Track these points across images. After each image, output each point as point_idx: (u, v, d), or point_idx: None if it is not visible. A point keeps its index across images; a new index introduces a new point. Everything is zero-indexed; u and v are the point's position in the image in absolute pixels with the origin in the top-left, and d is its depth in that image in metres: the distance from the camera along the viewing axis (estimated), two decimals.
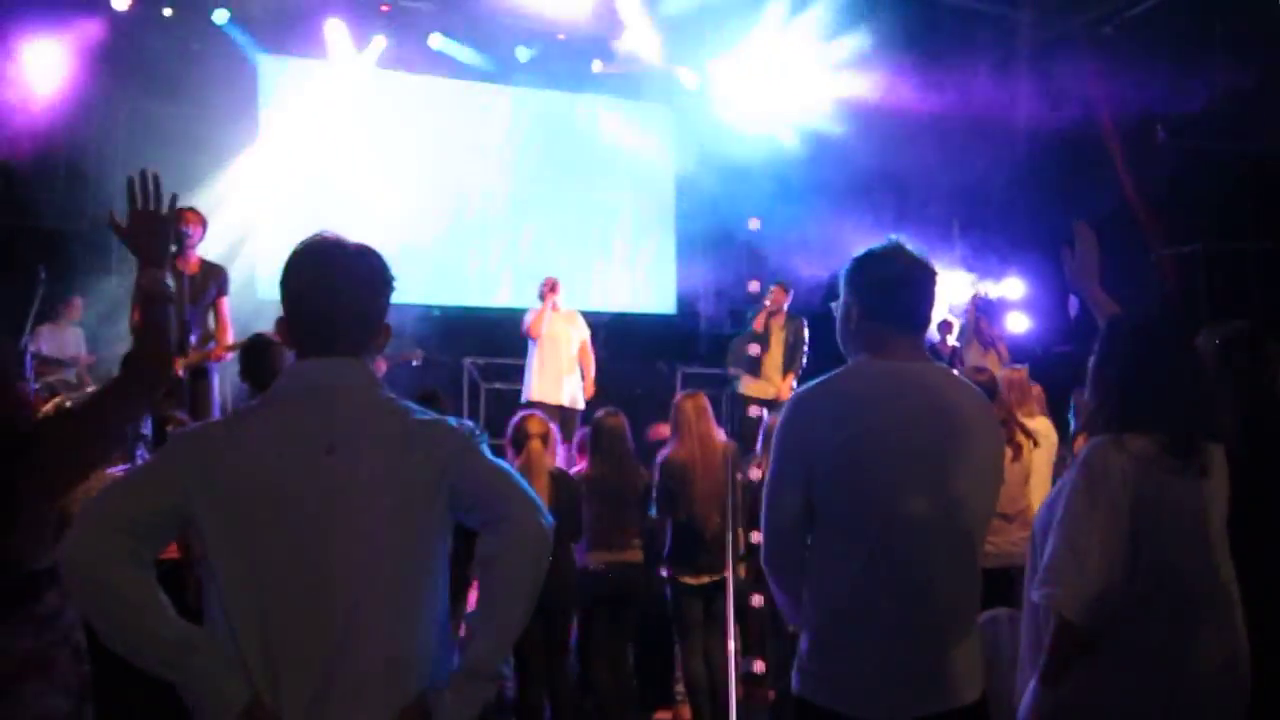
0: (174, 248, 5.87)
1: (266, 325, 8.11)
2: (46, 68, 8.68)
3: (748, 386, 8.94)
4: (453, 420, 2.03)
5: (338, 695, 1.83)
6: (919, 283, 2.37)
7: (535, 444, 4.83)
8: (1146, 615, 2.33)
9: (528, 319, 8.02)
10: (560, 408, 7.75)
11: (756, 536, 5.31)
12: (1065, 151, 9.71)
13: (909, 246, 2.39)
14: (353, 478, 1.88)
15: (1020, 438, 5.08)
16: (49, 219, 8.65)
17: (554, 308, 7.96)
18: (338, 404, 1.93)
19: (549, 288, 7.94)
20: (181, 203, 8.42)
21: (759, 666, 5.59)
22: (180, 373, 6.12)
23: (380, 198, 10.37)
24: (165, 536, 1.90)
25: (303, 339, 1.99)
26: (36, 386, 7.21)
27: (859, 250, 2.43)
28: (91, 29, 8.95)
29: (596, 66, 10.99)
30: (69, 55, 8.86)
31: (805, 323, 8.91)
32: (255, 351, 4.14)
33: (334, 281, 1.97)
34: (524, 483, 2.02)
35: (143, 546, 1.84)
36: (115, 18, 9.10)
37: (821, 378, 2.36)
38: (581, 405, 8.01)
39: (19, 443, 2.04)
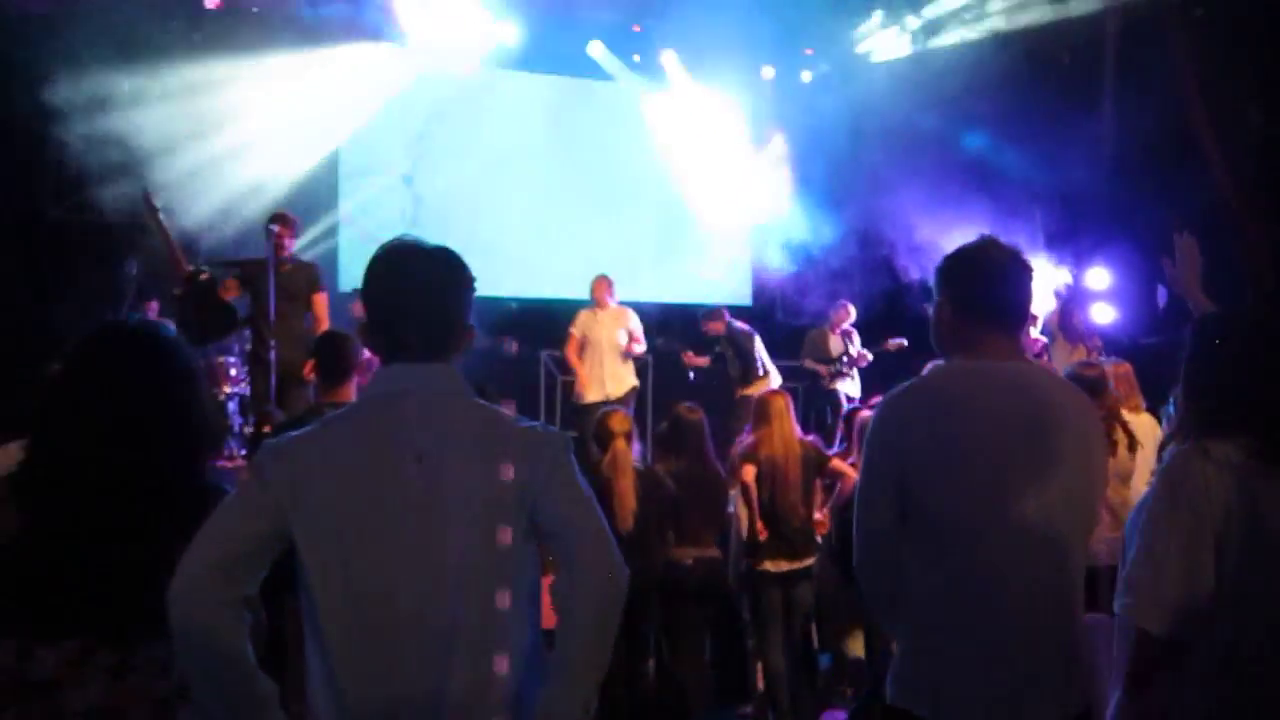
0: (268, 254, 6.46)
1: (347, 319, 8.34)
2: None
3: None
4: (543, 427, 2.01)
5: (433, 714, 1.84)
6: (1014, 279, 2.30)
7: (620, 443, 4.83)
8: (1235, 628, 2.22)
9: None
10: (608, 399, 7.98)
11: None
12: (1154, 137, 9.42)
13: (1003, 242, 2.33)
14: (441, 487, 1.87)
15: (1119, 435, 4.93)
16: (130, 214, 8.83)
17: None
18: (425, 411, 1.92)
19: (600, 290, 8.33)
20: (260, 198, 8.58)
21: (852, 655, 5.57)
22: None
23: (457, 191, 10.48)
24: (267, 559, 1.90)
25: (386, 344, 1.99)
26: None
27: (950, 247, 2.37)
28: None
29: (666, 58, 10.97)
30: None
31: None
32: (327, 347, 4.18)
33: (414, 285, 1.96)
34: (602, 519, 1.99)
35: (247, 582, 1.86)
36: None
37: (914, 379, 2.32)
38: (627, 387, 8.34)
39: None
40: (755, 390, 8.49)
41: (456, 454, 1.90)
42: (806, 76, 11.88)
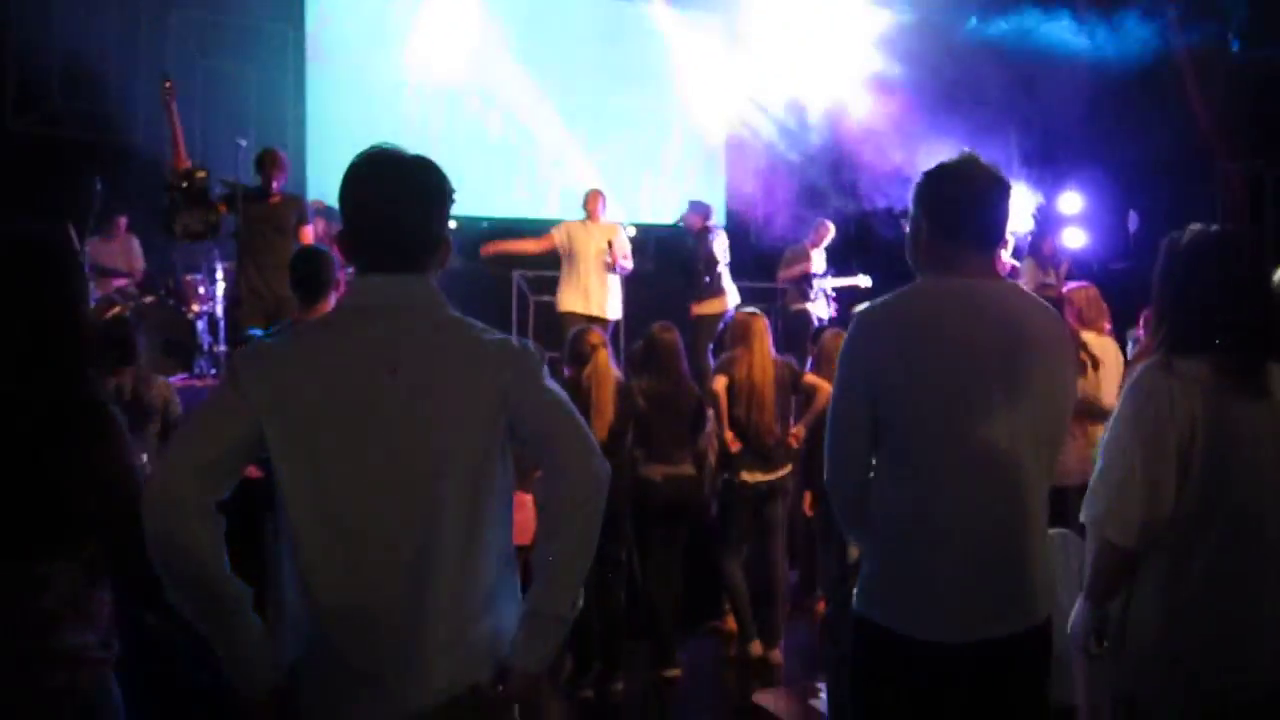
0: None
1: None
2: None
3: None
4: (515, 340, 2.01)
5: (407, 621, 1.85)
6: (993, 198, 2.29)
7: (602, 354, 4.85)
8: (1197, 538, 2.27)
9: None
10: (589, 317, 7.79)
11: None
12: (1131, 64, 9.39)
13: (982, 159, 2.31)
14: (416, 397, 1.87)
15: (1083, 357, 5.02)
16: (98, 131, 8.66)
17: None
18: (401, 322, 1.91)
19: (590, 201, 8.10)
20: (228, 110, 8.52)
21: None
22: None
23: (428, 108, 10.31)
24: (243, 464, 1.90)
25: (364, 255, 1.96)
26: (96, 296, 7.32)
27: (928, 165, 2.36)
28: None
29: None
30: None
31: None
32: (303, 262, 4.13)
33: (395, 194, 1.92)
34: (580, 420, 2.01)
35: (221, 485, 1.85)
36: None
37: (887, 296, 2.32)
38: (612, 316, 8.13)
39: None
40: (708, 309, 8.45)
41: (431, 366, 1.89)
42: None
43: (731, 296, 8.64)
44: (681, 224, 8.96)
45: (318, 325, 2.00)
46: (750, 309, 5.77)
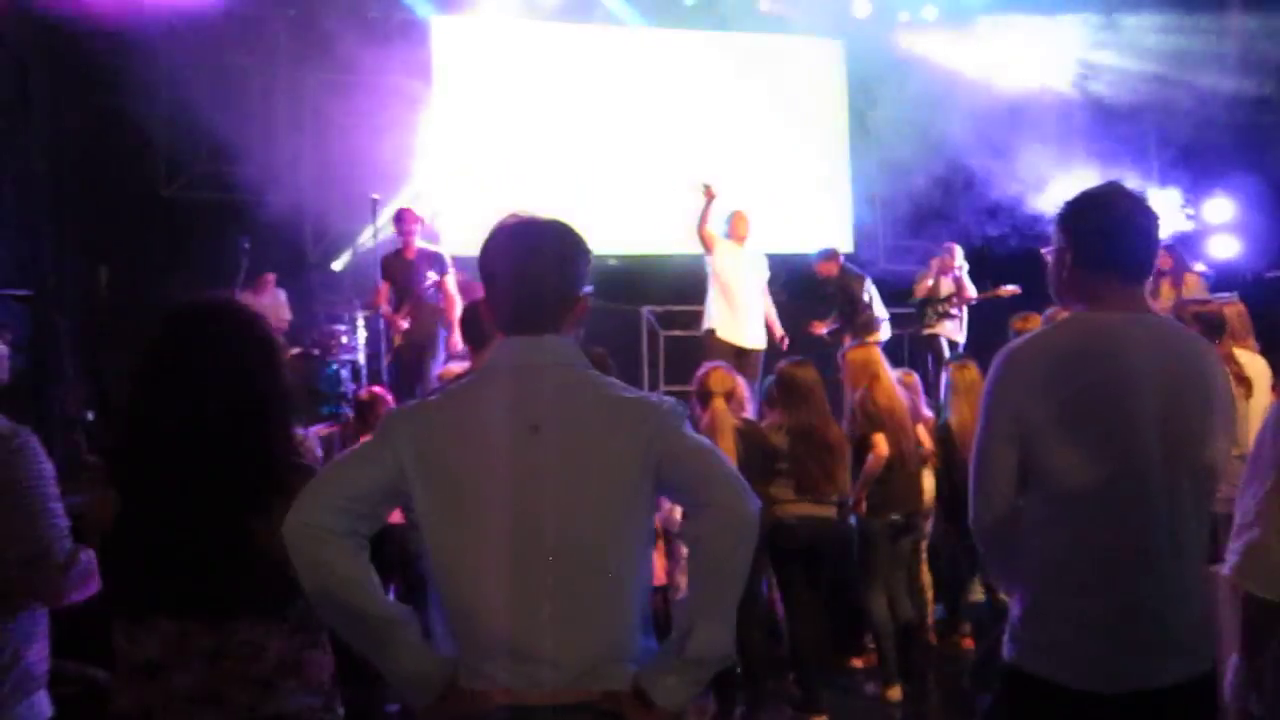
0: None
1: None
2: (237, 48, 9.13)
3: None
4: (654, 397, 2.04)
5: (548, 676, 1.87)
6: (1141, 229, 2.19)
7: (718, 402, 4.81)
8: None
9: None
10: (739, 349, 7.59)
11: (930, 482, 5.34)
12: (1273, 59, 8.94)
13: (1129, 188, 2.22)
14: (556, 457, 1.91)
15: (1237, 382, 4.73)
16: (243, 192, 9.09)
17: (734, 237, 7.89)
18: (542, 382, 1.96)
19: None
20: (362, 165, 8.99)
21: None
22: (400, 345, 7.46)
23: (553, 150, 10.52)
24: (383, 512, 1.97)
25: (504, 318, 2.03)
26: None
27: (1072, 193, 2.27)
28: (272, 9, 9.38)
29: (764, 5, 10.75)
30: (253, 35, 9.31)
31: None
32: (468, 319, 4.27)
33: (527, 262, 1.99)
34: (727, 462, 2.01)
35: (360, 523, 1.92)
36: None
37: (1035, 331, 2.24)
38: (763, 346, 7.85)
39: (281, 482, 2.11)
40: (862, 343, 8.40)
41: (572, 425, 1.94)
42: (904, 16, 11.48)
43: (884, 331, 8.60)
44: (818, 274, 8.97)
45: (463, 387, 2.07)
46: (863, 342, 5.66)
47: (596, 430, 1.94)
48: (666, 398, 2.05)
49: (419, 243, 7.61)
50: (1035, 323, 7.14)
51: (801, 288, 10.74)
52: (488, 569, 1.89)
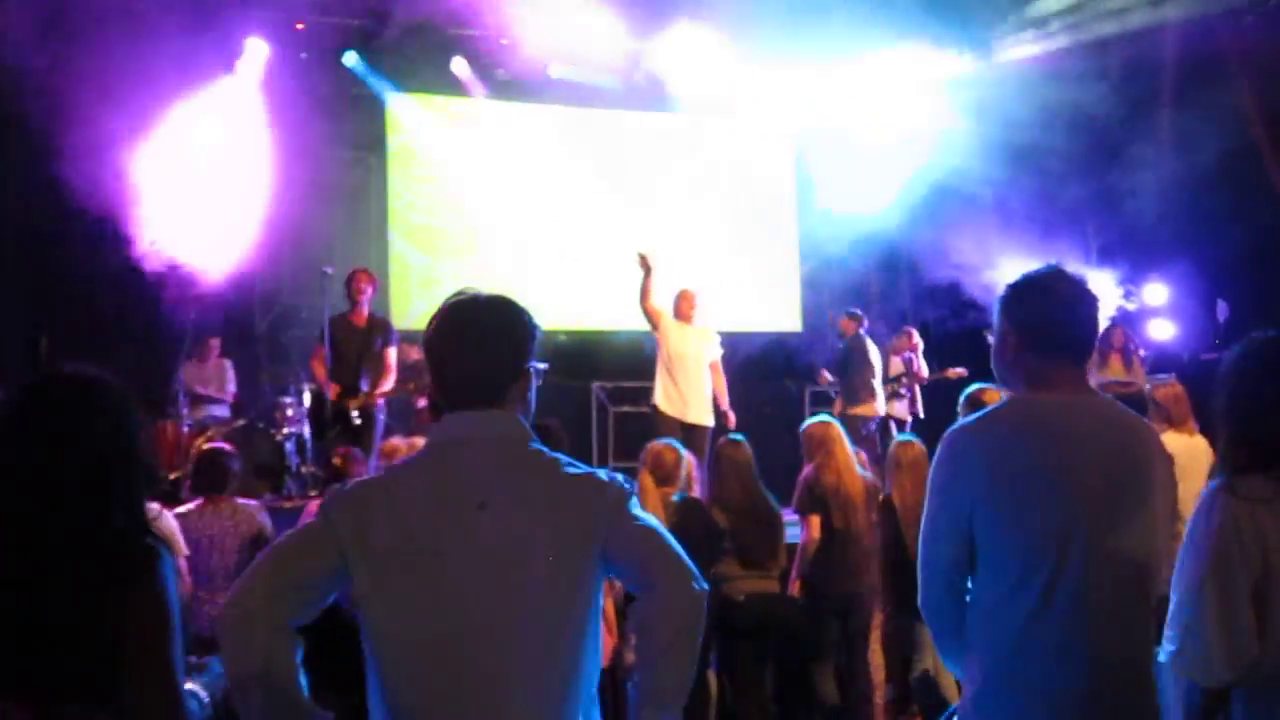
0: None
1: (403, 353, 8.42)
2: (188, 118, 9.11)
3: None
4: (603, 474, 2.02)
5: None
6: (1082, 312, 2.25)
7: (645, 479, 4.81)
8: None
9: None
10: (686, 424, 7.59)
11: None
12: (1211, 149, 9.26)
13: (1069, 272, 2.28)
14: (504, 535, 1.88)
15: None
16: (191, 260, 8.99)
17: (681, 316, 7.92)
18: (488, 458, 1.95)
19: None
20: (316, 237, 8.94)
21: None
22: (353, 414, 7.26)
23: (504, 226, 10.60)
24: (323, 596, 1.92)
25: (447, 394, 2.02)
26: (190, 423, 7.54)
27: (1013, 277, 2.33)
28: (226, 83, 9.40)
29: (714, 90, 10.96)
30: (209, 106, 9.31)
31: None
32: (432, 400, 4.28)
33: (469, 336, 2.00)
34: (674, 544, 2.00)
35: (299, 610, 1.88)
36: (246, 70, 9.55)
37: (979, 413, 2.27)
38: (709, 423, 7.81)
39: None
40: (861, 411, 8.56)
41: (518, 501, 1.91)
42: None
43: (880, 402, 8.73)
44: (835, 329, 9.24)
45: (407, 464, 2.05)
46: (822, 417, 5.70)
47: (543, 508, 1.92)
48: (615, 475, 2.04)
49: (367, 309, 7.50)
50: (994, 397, 7.26)
51: (747, 364, 10.85)
52: (429, 654, 1.86)
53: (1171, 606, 2.23)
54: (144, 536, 2.07)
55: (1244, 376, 2.31)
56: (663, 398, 7.72)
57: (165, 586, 2.03)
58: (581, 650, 1.93)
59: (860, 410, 8.72)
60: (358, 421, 7.23)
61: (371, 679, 1.91)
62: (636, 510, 1.99)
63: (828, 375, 9.31)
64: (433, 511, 1.89)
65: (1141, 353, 9.02)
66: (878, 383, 8.92)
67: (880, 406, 8.83)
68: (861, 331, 9.05)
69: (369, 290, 7.44)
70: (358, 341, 7.34)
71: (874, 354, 8.95)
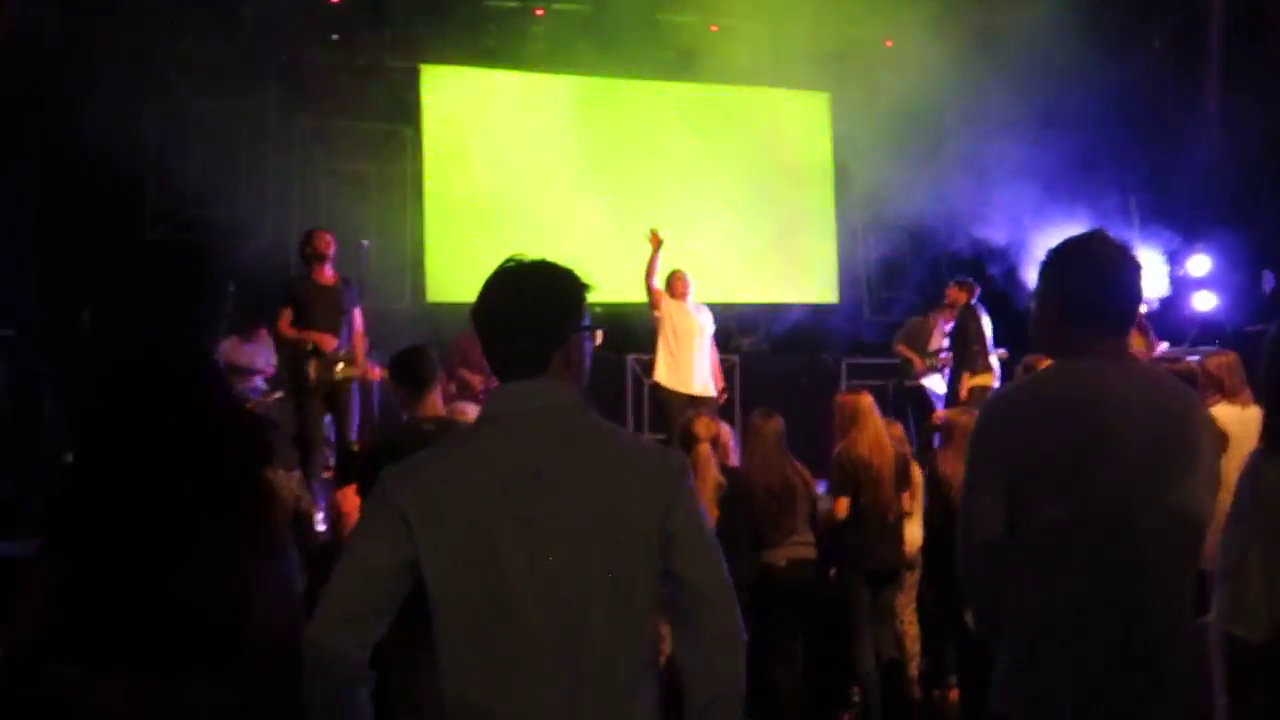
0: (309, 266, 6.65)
1: (439, 327, 8.49)
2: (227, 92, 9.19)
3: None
4: (664, 451, 2.00)
5: None
6: (1126, 276, 2.21)
7: (704, 448, 4.84)
8: None
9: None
10: (691, 397, 7.86)
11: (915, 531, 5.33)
12: (1255, 121, 9.07)
13: (1112, 238, 2.24)
14: (561, 505, 1.86)
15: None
16: (230, 236, 9.09)
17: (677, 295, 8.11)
18: (540, 428, 1.92)
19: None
20: (351, 210, 8.87)
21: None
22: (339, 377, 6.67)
23: (541, 198, 10.58)
24: (399, 596, 1.90)
25: (494, 364, 2.00)
26: None
27: (1057, 240, 2.29)
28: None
29: (747, 59, 10.87)
30: (243, 79, 9.38)
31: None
32: (402, 362, 4.26)
33: (508, 304, 1.97)
34: (723, 564, 1.96)
35: (377, 625, 1.88)
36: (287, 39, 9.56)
37: (1020, 380, 2.25)
38: (714, 393, 8.11)
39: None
40: (980, 382, 8.36)
41: (575, 471, 1.89)
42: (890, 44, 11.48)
43: (995, 374, 8.58)
44: (946, 299, 8.99)
45: (460, 436, 2.04)
46: (855, 388, 5.72)
47: (606, 481, 1.89)
48: (673, 452, 2.02)
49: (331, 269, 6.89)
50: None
51: (784, 340, 10.82)
52: (487, 623, 1.84)
53: (1218, 569, 2.22)
54: (265, 504, 2.11)
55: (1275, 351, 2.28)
56: (667, 374, 8.09)
57: (288, 555, 2.07)
58: (640, 624, 1.90)
59: (980, 380, 8.42)
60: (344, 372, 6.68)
61: (437, 651, 1.89)
62: (697, 500, 1.98)
63: (943, 352, 9.09)
64: (491, 482, 1.86)
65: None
66: (991, 352, 8.65)
67: (996, 376, 8.55)
68: (972, 303, 8.88)
69: (332, 250, 6.81)
70: (326, 301, 6.73)
71: (985, 324, 8.70)
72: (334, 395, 6.66)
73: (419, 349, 4.32)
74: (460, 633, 1.86)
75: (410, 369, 4.19)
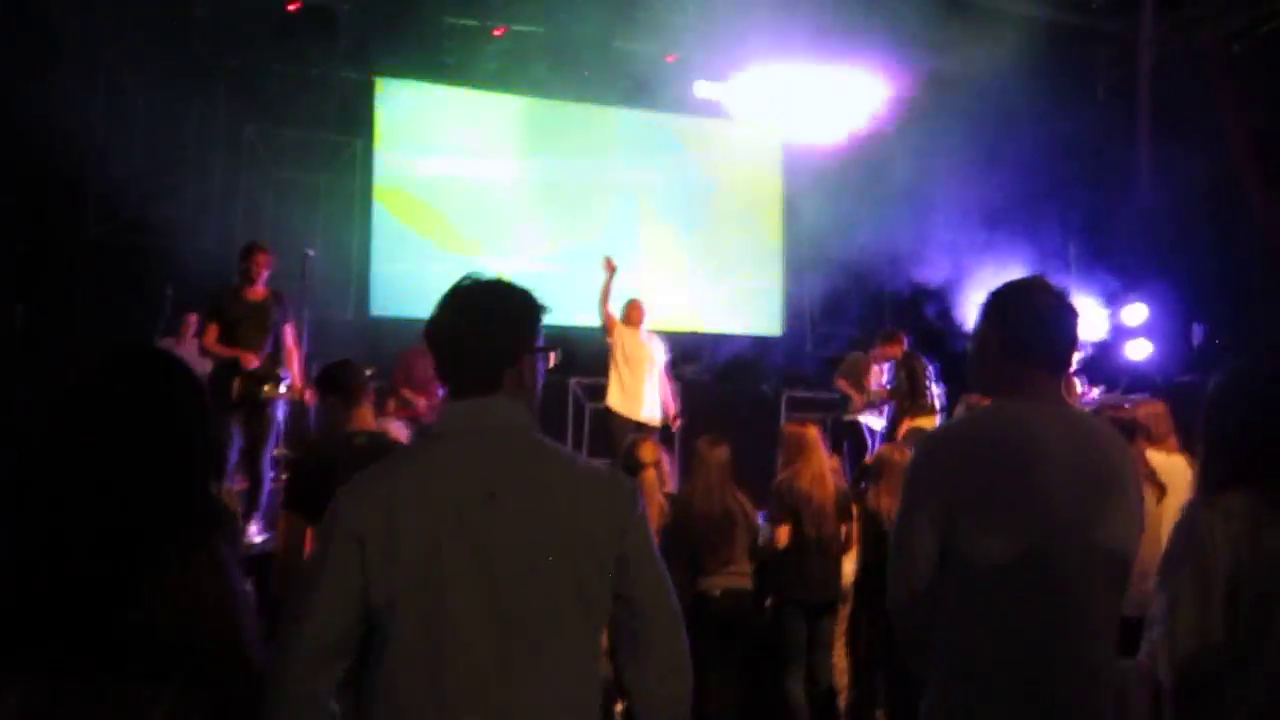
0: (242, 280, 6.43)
1: (380, 341, 8.42)
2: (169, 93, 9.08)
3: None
4: (615, 473, 2.00)
5: None
6: (1064, 322, 2.27)
7: (650, 473, 4.85)
8: (1261, 675, 2.18)
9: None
10: (638, 424, 7.96)
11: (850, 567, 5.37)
12: (1190, 172, 9.36)
13: (1051, 284, 2.30)
14: (516, 527, 1.83)
15: (1149, 485, 4.83)
16: (173, 237, 8.96)
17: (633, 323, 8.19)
18: (493, 447, 1.90)
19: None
20: (296, 219, 8.74)
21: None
22: (264, 395, 6.46)
23: (488, 217, 10.58)
24: (361, 628, 1.85)
25: (451, 381, 1.97)
26: None
27: (998, 282, 2.34)
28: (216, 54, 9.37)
29: (700, 90, 10.99)
30: (194, 82, 9.29)
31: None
32: (331, 374, 4.22)
33: (466, 320, 1.95)
34: (673, 592, 1.97)
35: (343, 660, 1.85)
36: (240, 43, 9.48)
37: (957, 418, 2.29)
38: (658, 422, 8.19)
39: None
40: (924, 423, 8.36)
41: (530, 493, 1.86)
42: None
43: (939, 408, 8.65)
44: (880, 353, 8.98)
45: (409, 453, 2.03)
46: (801, 419, 5.75)
47: (560, 503, 1.87)
48: (625, 476, 2.02)
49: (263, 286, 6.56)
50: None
51: (726, 369, 10.88)
52: (434, 645, 1.80)
53: (1152, 612, 2.27)
54: (212, 509, 2.06)
55: (1222, 399, 2.34)
56: (617, 398, 8.20)
57: (228, 559, 2.02)
58: (589, 648, 1.89)
59: (920, 422, 8.36)
60: (269, 392, 6.46)
61: (375, 681, 1.84)
62: (648, 524, 1.97)
63: (861, 403, 9.14)
64: (443, 501, 1.83)
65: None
66: (935, 392, 8.71)
67: (938, 416, 8.70)
68: (909, 351, 8.86)
69: (266, 271, 6.56)
70: (255, 317, 6.49)
71: (929, 367, 8.74)
72: (254, 412, 6.44)
73: (346, 361, 4.28)
74: (402, 658, 1.80)
75: (338, 381, 4.15)
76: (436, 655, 1.80)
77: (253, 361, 6.38)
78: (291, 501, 3.81)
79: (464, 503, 1.83)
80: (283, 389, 6.49)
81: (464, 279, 2.01)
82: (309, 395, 6.53)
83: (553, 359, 2.06)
